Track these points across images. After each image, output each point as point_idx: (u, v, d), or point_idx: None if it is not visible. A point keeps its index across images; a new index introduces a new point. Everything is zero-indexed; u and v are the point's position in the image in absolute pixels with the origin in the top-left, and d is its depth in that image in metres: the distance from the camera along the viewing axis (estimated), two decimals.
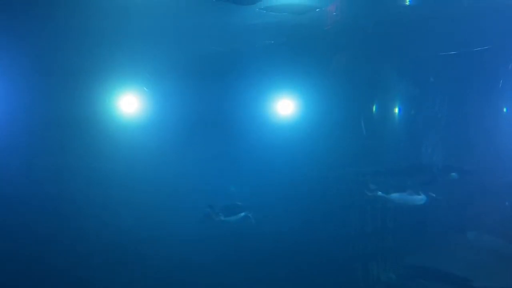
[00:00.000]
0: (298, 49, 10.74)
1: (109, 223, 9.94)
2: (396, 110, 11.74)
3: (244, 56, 11.13)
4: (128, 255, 9.86)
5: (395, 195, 8.45)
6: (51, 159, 10.41)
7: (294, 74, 10.97)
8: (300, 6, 8.52)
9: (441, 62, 10.94)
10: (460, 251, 9.72)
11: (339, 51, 11.13)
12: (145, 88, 10.07)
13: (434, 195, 8.40)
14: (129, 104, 10.93)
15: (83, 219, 9.89)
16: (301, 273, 9.77)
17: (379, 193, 7.42)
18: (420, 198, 8.69)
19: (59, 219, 9.79)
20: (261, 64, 10.86)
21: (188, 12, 8.77)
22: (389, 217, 10.18)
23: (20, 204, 9.76)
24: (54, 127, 10.19)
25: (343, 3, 8.91)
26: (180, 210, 10.07)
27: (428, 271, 9.59)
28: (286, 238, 9.99)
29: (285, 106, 11.43)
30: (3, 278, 8.98)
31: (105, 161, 10.32)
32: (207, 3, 8.05)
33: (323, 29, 10.00)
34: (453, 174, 9.85)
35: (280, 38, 10.59)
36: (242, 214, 9.62)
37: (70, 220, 9.84)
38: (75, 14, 8.57)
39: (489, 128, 10.59)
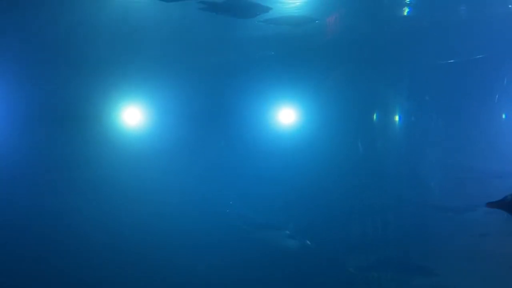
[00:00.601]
0: (297, 60, 10.84)
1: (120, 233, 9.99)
2: (396, 119, 11.82)
3: (245, 67, 11.24)
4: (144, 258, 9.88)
5: None
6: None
7: (294, 84, 11.06)
8: (299, 18, 8.63)
9: (440, 70, 11.03)
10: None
11: (339, 62, 11.23)
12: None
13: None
14: (132, 115, 11.03)
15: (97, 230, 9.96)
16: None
17: None
18: None
19: (76, 230, 9.85)
20: (261, 75, 10.98)
21: (188, 24, 8.90)
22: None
23: (24, 211, 9.81)
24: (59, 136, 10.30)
25: (341, 14, 9.01)
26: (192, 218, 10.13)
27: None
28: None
29: (285, 116, 11.52)
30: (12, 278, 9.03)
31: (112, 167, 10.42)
32: (207, 16, 8.17)
33: (323, 40, 10.10)
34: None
35: (280, 49, 10.70)
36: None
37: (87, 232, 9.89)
38: (77, 26, 8.69)
39: (489, 134, 10.63)
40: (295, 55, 10.77)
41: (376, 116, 11.94)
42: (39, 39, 9.27)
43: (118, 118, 10.93)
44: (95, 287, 9.46)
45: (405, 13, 9.14)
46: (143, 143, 10.81)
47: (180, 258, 9.71)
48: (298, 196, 10.52)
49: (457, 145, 10.70)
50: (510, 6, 8.41)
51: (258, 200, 10.32)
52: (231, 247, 9.95)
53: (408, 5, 8.78)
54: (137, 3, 7.74)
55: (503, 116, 10.70)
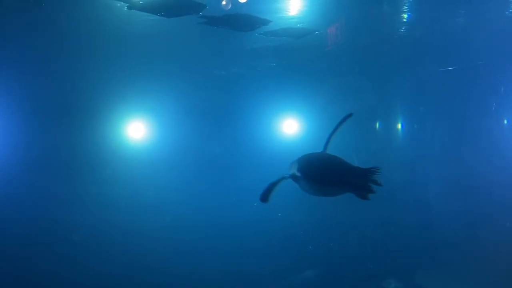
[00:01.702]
0: (299, 71, 10.95)
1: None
2: (399, 127, 11.87)
3: (247, 79, 11.37)
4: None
5: None
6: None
7: (295, 95, 11.17)
8: (299, 30, 8.69)
9: (441, 77, 11.09)
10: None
11: (339, 72, 11.32)
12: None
13: None
14: (136, 128, 11.19)
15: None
16: None
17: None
18: None
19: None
20: (263, 86, 11.10)
21: (190, 39, 9.02)
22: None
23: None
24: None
25: (341, 25, 9.07)
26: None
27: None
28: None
29: (288, 127, 11.63)
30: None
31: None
32: (208, 30, 8.29)
33: (323, 51, 10.18)
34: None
35: (281, 61, 10.81)
36: None
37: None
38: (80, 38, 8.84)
39: (490, 138, 10.65)
40: (296, 66, 10.89)
41: (378, 124, 12.01)
42: (49, 53, 9.46)
43: (124, 132, 11.11)
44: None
45: (404, 21, 9.19)
46: (148, 154, 10.96)
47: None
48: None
49: (460, 150, 10.73)
50: (507, 12, 8.47)
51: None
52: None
53: (406, 12, 8.85)
54: (140, 20, 7.88)
55: (505, 121, 10.74)
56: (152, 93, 10.83)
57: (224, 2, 7.09)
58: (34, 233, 9.76)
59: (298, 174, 5.14)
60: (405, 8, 8.28)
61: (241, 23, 8.03)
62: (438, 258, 10.01)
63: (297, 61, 10.74)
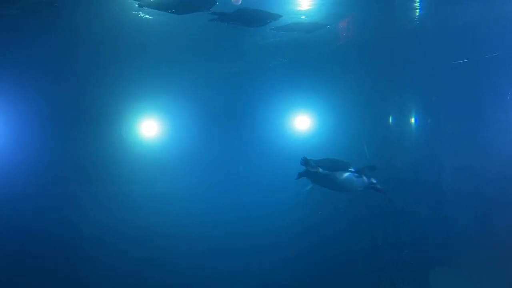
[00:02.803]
0: (310, 66, 10.90)
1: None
2: (412, 122, 11.76)
3: (259, 75, 11.36)
4: None
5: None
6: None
7: (308, 90, 11.13)
8: (310, 24, 8.64)
9: (455, 70, 10.95)
10: None
11: (351, 66, 11.25)
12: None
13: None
14: (149, 125, 11.25)
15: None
16: None
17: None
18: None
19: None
20: (275, 82, 11.08)
21: (201, 35, 9.03)
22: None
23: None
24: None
25: (353, 19, 9.00)
26: None
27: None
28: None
29: (300, 123, 11.59)
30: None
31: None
32: (219, 27, 8.28)
33: (335, 45, 10.12)
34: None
35: (293, 56, 10.77)
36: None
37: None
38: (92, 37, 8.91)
39: (507, 131, 10.49)
40: (308, 61, 10.84)
41: (392, 119, 11.90)
42: (62, 52, 9.53)
43: (136, 129, 11.19)
44: None
45: (417, 15, 9.09)
46: (160, 151, 11.03)
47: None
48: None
49: (475, 143, 10.59)
50: None
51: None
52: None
53: (418, 6, 8.75)
54: (151, 18, 7.92)
55: None
56: (164, 92, 10.89)
57: None
58: (51, 233, 9.88)
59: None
60: (417, 0, 8.19)
61: (252, 18, 8.01)
62: (451, 251, 9.93)
63: (308, 56, 10.69)
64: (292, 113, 11.60)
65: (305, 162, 6.74)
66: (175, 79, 10.87)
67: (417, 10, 8.73)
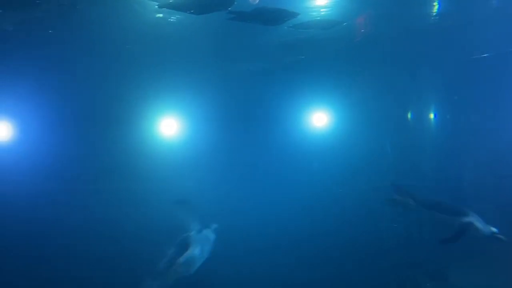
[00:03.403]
0: (328, 63, 10.89)
1: None
2: (432, 117, 11.66)
3: (276, 73, 11.39)
4: None
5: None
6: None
7: (326, 87, 11.13)
8: (327, 21, 8.66)
9: (475, 65, 10.82)
10: None
11: (369, 62, 11.20)
12: None
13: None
14: (170, 123, 11.38)
15: None
16: None
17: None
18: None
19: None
20: (293, 79, 11.10)
21: (219, 34, 9.12)
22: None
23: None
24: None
25: (369, 15, 8.97)
26: None
27: None
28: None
29: (319, 119, 11.60)
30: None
31: None
32: (237, 26, 8.36)
33: (353, 42, 10.10)
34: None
35: (311, 53, 10.80)
36: None
37: None
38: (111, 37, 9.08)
39: None
40: (325, 58, 10.84)
41: (412, 115, 11.83)
42: (83, 53, 9.71)
43: (157, 126, 11.33)
44: None
45: (435, 10, 9.00)
46: (181, 149, 11.13)
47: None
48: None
49: (494, 138, 10.46)
50: None
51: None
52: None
53: (437, 1, 8.68)
54: (170, 18, 8.04)
55: None
56: (183, 91, 10.99)
57: None
58: (78, 231, 9.98)
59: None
60: None
61: (269, 17, 8.07)
62: (474, 248, 9.80)
63: (325, 53, 10.69)
64: (310, 110, 11.61)
65: (397, 189, 6.43)
66: (193, 78, 10.95)
67: (436, 4, 8.67)
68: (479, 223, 6.79)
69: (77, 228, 9.84)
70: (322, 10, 8.20)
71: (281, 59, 11.10)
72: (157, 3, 7.36)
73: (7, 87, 9.85)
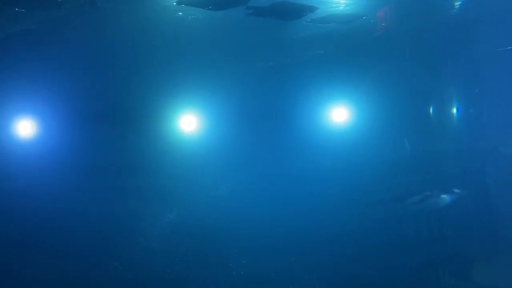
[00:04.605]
0: (347, 58, 10.80)
1: None
2: (454, 113, 11.42)
3: (295, 68, 11.34)
4: None
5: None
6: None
7: (345, 82, 11.02)
8: (346, 15, 8.58)
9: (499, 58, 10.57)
10: None
11: (390, 57, 11.05)
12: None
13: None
14: (188, 120, 11.42)
15: None
16: None
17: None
18: None
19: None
20: (313, 74, 11.03)
21: (237, 31, 9.13)
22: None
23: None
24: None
25: (390, 8, 8.86)
26: None
27: None
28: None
29: (339, 115, 11.48)
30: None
31: None
32: (255, 21, 8.35)
33: (373, 36, 10.00)
34: None
35: (330, 48, 10.72)
36: None
37: None
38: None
39: None
40: (345, 52, 10.75)
41: (433, 111, 11.62)
42: (104, 51, 9.83)
43: (176, 124, 11.39)
44: None
45: (458, 3, 8.84)
46: (201, 146, 11.17)
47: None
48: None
49: None
50: None
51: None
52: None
53: None
54: (188, 15, 8.07)
55: None
56: (203, 88, 11.03)
57: None
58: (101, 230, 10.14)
59: None
60: None
61: (288, 11, 8.04)
62: (497, 244, 9.62)
63: (345, 47, 10.61)
64: (330, 105, 11.50)
65: None
66: (213, 75, 10.99)
67: None
68: None
69: (100, 222, 10.01)
70: (341, 4, 8.10)
71: (300, 54, 11.05)
72: (175, 0, 7.40)
73: (30, 85, 10.05)
